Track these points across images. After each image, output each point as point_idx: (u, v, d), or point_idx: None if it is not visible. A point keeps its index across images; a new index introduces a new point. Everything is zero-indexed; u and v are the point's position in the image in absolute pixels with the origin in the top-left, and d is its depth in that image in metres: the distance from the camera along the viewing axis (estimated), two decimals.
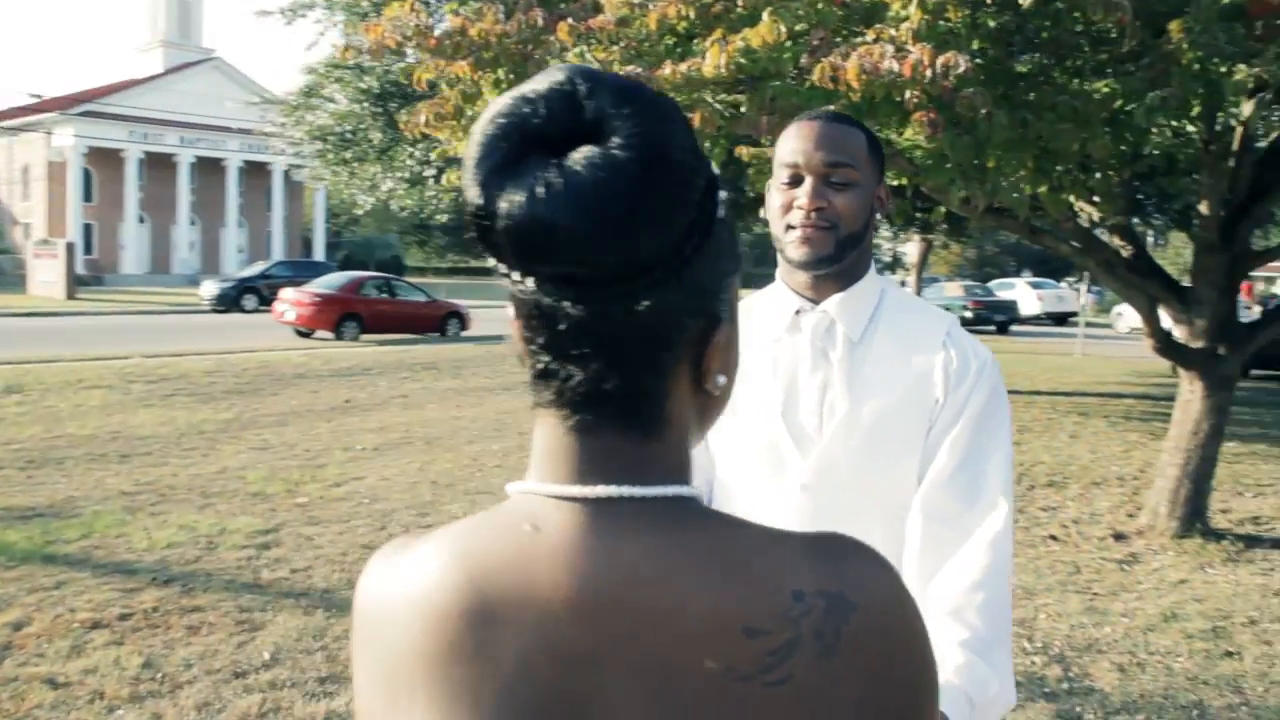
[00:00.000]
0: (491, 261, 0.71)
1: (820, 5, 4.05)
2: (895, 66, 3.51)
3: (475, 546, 0.70)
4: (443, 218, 16.66)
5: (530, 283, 0.68)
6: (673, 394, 0.73)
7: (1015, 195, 4.45)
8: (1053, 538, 6.75)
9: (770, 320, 1.62)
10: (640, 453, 0.71)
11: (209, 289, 30.47)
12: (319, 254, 52.04)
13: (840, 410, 1.55)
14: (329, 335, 19.99)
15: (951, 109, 3.72)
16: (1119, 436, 10.98)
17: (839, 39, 4.10)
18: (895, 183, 5.45)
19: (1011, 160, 4.34)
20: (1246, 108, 5.85)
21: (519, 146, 0.67)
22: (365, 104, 12.08)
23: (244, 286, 30.32)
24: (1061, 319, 34.56)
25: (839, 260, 1.57)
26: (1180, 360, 6.90)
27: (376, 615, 0.72)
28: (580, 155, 0.65)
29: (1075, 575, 5.90)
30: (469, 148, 0.70)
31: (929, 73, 3.46)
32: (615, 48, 4.45)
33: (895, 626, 0.71)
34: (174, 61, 50.02)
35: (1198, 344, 6.82)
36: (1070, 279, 50.13)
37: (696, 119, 4.15)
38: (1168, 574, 5.98)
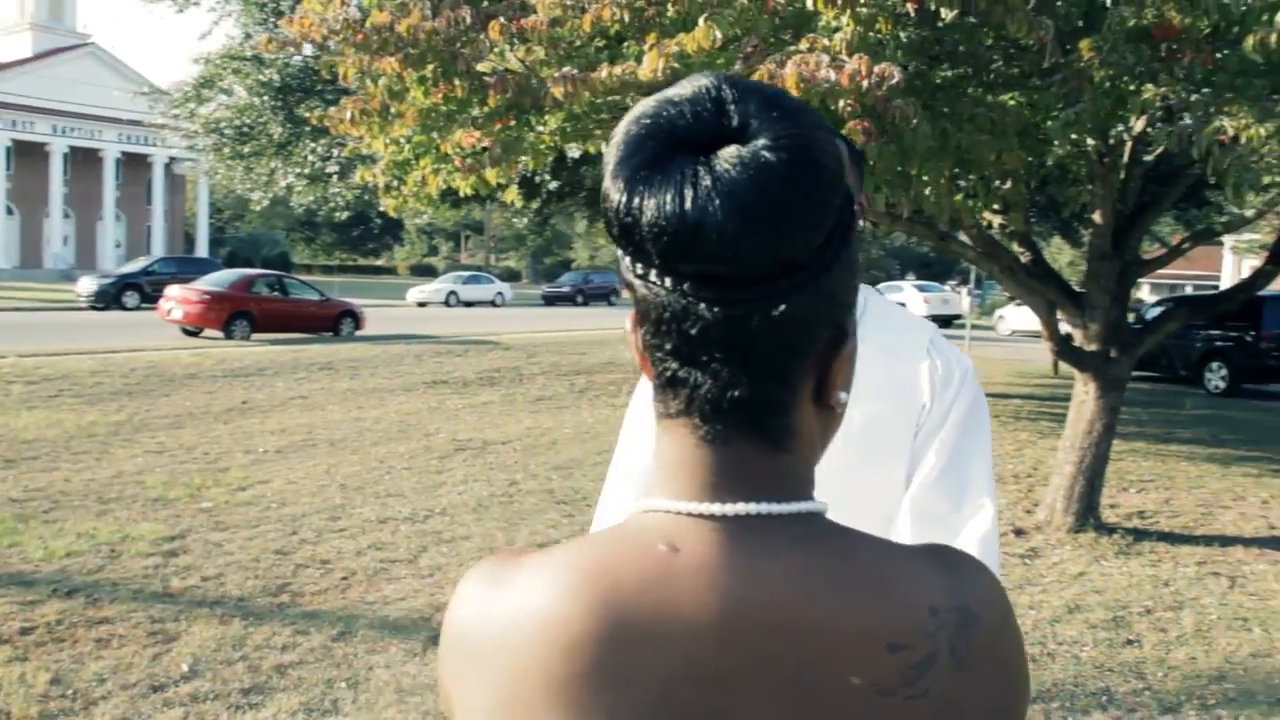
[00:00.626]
0: (627, 262, 0.70)
1: (751, 12, 4.11)
2: (832, 76, 3.59)
3: (607, 567, 0.68)
4: (343, 215, 16.30)
5: (668, 282, 0.67)
6: (799, 406, 0.72)
7: (935, 203, 4.60)
8: None
9: None
10: (771, 466, 0.71)
11: (86, 285, 29.17)
12: (202, 250, 50.40)
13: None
14: (218, 334, 19.37)
15: (883, 118, 3.83)
16: (1010, 436, 11.40)
17: (769, 44, 4.16)
18: None
19: (933, 169, 4.48)
20: (1138, 123, 6.16)
21: (665, 147, 0.67)
22: (265, 97, 11.75)
23: (125, 283, 29.14)
24: (946, 322, 35.69)
25: None
26: (1075, 362, 7.21)
27: (486, 643, 0.70)
28: (729, 154, 0.66)
29: None
30: (611, 149, 0.69)
31: (865, 83, 3.55)
32: (543, 49, 4.44)
33: (1009, 635, 0.73)
34: (44, 46, 47.75)
35: (1092, 347, 7.14)
36: (952, 282, 51.90)
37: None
38: (1067, 567, 6.25)
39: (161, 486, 7.31)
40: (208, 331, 19.58)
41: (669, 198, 0.65)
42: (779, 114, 0.67)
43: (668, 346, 0.69)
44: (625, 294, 0.75)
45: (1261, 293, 9.19)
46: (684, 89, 0.70)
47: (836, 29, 3.96)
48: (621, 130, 0.69)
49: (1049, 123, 4.31)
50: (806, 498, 0.73)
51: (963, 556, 0.76)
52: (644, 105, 0.70)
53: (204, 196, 51.65)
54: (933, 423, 1.61)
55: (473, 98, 4.51)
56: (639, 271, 0.69)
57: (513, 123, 4.74)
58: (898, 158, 4.23)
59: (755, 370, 0.69)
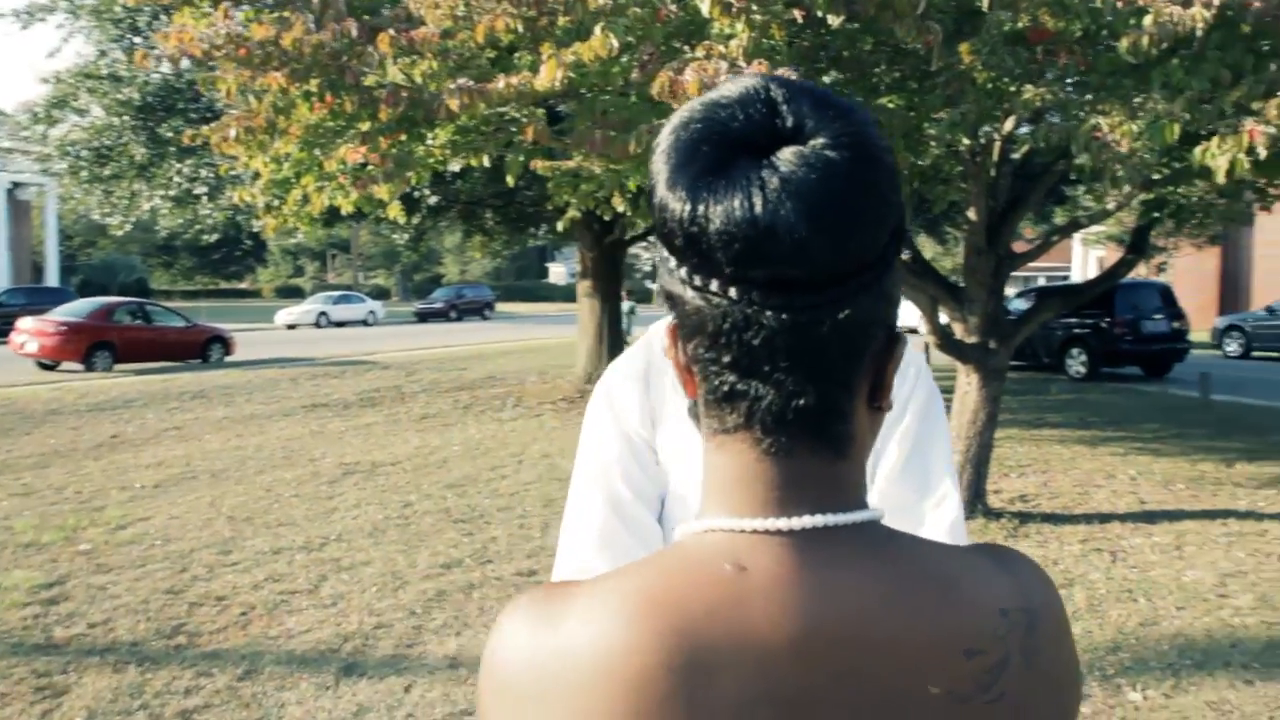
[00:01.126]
0: (683, 274, 0.68)
1: (644, 20, 4.12)
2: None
3: (671, 593, 0.66)
4: (212, 237, 15.69)
5: (733, 292, 0.65)
6: (857, 411, 0.71)
7: None
8: None
9: None
10: (832, 474, 0.69)
11: None
12: (52, 279, 47.75)
13: None
14: (78, 367, 18.41)
15: None
16: None
17: (662, 50, 4.18)
18: None
19: None
20: (1007, 124, 6.42)
21: (723, 151, 0.65)
22: (125, 116, 11.20)
23: None
24: None
25: None
26: (957, 355, 7.45)
27: (541, 685, 0.66)
28: (791, 155, 0.64)
29: None
30: (660, 157, 0.67)
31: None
32: (436, 61, 4.36)
33: (1066, 630, 0.74)
34: None
35: (972, 339, 7.40)
36: None
37: (528, 133, 4.13)
38: None
39: (33, 530, 6.88)
40: (66, 364, 18.60)
41: (737, 203, 0.63)
42: (834, 113, 0.66)
43: (726, 359, 0.67)
44: (660, 306, 0.72)
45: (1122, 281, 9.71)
46: (730, 91, 0.68)
47: (730, 36, 4.00)
48: (669, 137, 0.68)
49: (928, 125, 4.45)
50: (865, 505, 0.71)
51: (1015, 555, 0.76)
52: (689, 110, 0.68)
53: (52, 223, 49.04)
54: (892, 417, 1.62)
55: (362, 112, 4.40)
56: (698, 283, 0.67)
57: (403, 137, 4.64)
58: None
59: (821, 377, 0.67)
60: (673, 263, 0.68)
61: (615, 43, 3.88)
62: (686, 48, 4.30)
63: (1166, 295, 17.65)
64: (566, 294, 63.63)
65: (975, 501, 7.49)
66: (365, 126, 4.49)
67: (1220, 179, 3.66)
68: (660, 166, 0.67)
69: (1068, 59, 4.19)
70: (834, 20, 4.31)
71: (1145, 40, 3.53)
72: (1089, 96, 4.20)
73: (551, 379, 16.22)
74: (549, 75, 3.80)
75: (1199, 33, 3.51)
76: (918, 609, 0.67)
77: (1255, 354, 22.32)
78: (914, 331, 32.58)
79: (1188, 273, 28.52)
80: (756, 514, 0.68)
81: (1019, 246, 8.10)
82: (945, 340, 7.45)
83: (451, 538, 6.63)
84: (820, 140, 0.65)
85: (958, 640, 0.66)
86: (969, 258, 7.53)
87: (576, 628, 0.66)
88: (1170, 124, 3.81)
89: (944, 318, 7.68)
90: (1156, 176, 6.26)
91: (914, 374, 1.65)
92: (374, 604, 5.27)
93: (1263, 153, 3.51)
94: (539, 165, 5.72)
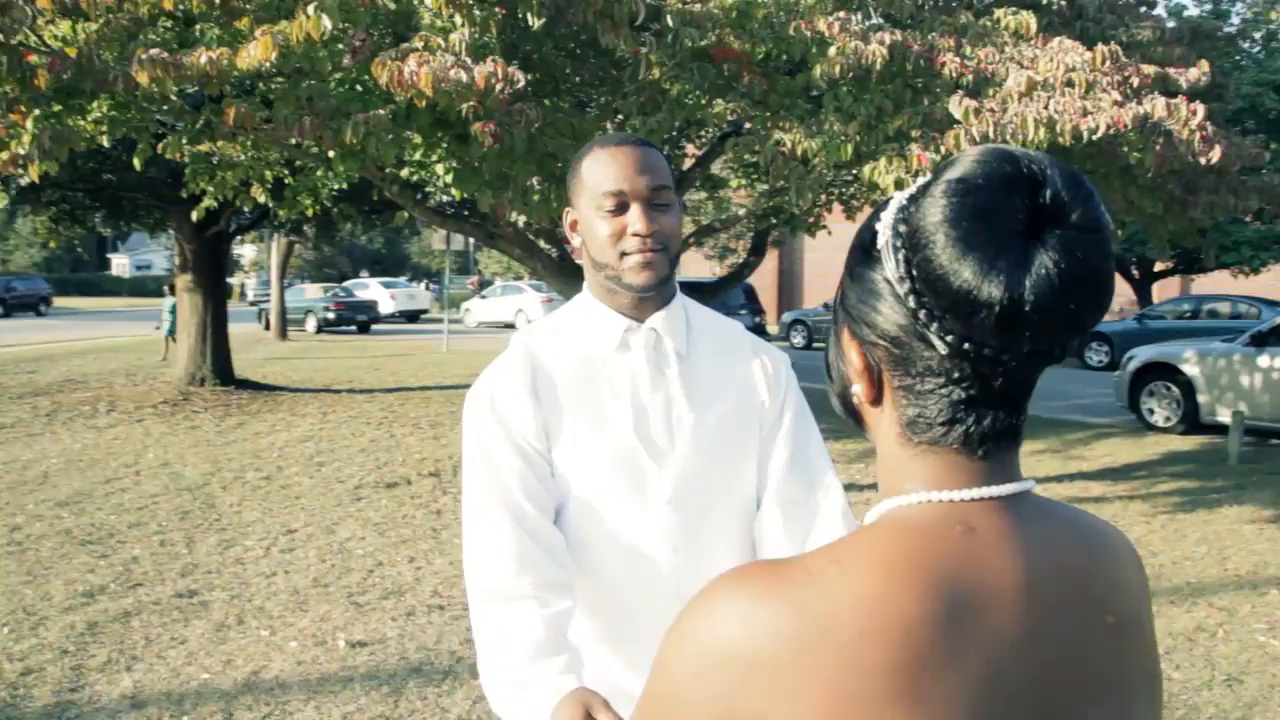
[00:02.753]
0: (934, 328, 0.75)
1: (350, 4, 3.93)
2: (464, 76, 3.56)
3: (917, 552, 0.74)
4: None
5: (1005, 356, 0.74)
6: None
7: (527, 203, 4.75)
8: None
9: (595, 340, 1.66)
10: (1013, 458, 0.81)
11: None
12: None
13: (687, 422, 1.64)
14: None
15: (506, 121, 3.88)
16: None
17: (374, 37, 4.01)
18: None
19: (523, 171, 4.62)
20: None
21: (999, 229, 0.72)
22: None
23: None
24: (414, 316, 36.40)
25: (671, 280, 1.69)
26: None
27: (796, 650, 0.72)
28: (1060, 240, 0.72)
29: None
30: (937, 217, 0.73)
31: (499, 85, 3.58)
32: (101, 24, 3.86)
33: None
34: None
35: None
36: (405, 277, 52.78)
37: (230, 115, 3.77)
38: None
39: None
40: None
41: (1026, 284, 0.70)
42: (1080, 191, 0.74)
43: (955, 397, 0.77)
44: (869, 339, 0.81)
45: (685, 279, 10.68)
46: (994, 163, 0.73)
47: (445, 29, 3.93)
48: (947, 201, 0.73)
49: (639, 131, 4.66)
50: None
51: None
52: (964, 174, 0.74)
53: None
54: (773, 417, 1.74)
55: (8, 77, 3.77)
56: (952, 341, 0.74)
57: (58, 108, 4.03)
58: (504, 160, 4.31)
59: (1025, 405, 0.80)
60: (922, 315, 0.75)
61: (329, 24, 3.67)
62: (392, 38, 4.15)
63: (750, 293, 19.59)
64: (135, 287, 57.57)
65: None
66: (11, 92, 3.83)
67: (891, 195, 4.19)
68: (940, 231, 0.72)
69: (752, 78, 4.57)
70: (534, 22, 4.37)
71: (836, 68, 3.94)
72: (769, 114, 4.61)
73: (143, 381, 14.70)
74: (262, 54, 3.49)
75: (878, 66, 3.99)
76: (1091, 552, 0.81)
77: (816, 345, 25.43)
78: (512, 326, 33.47)
79: (755, 272, 31.76)
80: (971, 487, 0.78)
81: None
82: None
83: (84, 562, 5.84)
84: (1077, 220, 0.72)
85: (1116, 578, 0.81)
86: None
87: (836, 591, 0.73)
88: (844, 144, 4.29)
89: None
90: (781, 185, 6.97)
91: (785, 374, 1.79)
92: (11, 647, 4.53)
93: (927, 175, 4.06)
94: (174, 151, 5.22)
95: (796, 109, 4.59)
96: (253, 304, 39.74)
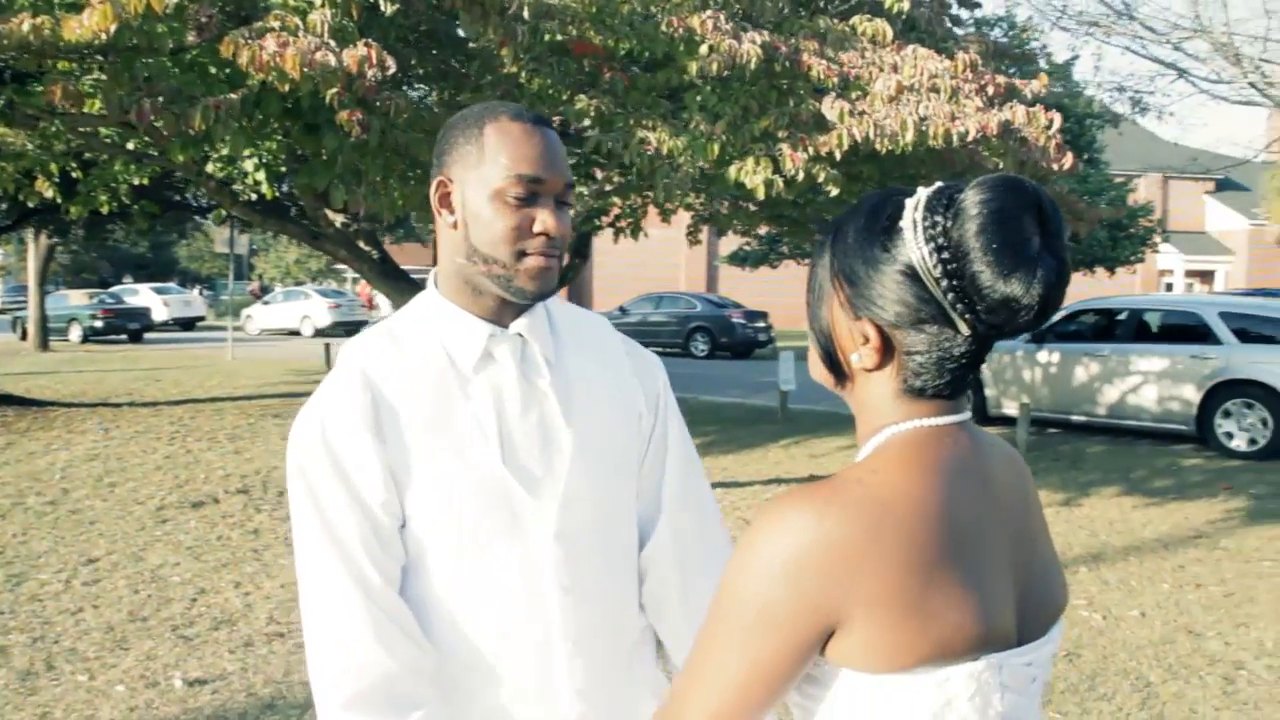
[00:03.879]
0: (960, 307, 0.99)
1: None
2: (333, 60, 3.27)
3: (930, 457, 1.01)
4: None
5: (1006, 330, 1.01)
6: None
7: (381, 199, 4.46)
8: None
9: (451, 352, 1.38)
10: (965, 398, 1.10)
11: None
12: None
13: (567, 444, 1.39)
14: None
15: (373, 110, 3.61)
16: None
17: (220, 16, 3.65)
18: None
19: (375, 166, 4.34)
20: None
21: (1021, 242, 0.96)
22: None
23: None
24: (189, 324, 34.28)
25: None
26: None
27: (856, 544, 0.94)
28: (1054, 253, 0.97)
29: None
30: (975, 226, 0.96)
31: (372, 71, 3.31)
32: None
33: None
34: None
35: None
36: (175, 281, 49.43)
37: (56, 93, 3.32)
38: None
39: None
40: None
41: (1037, 285, 0.96)
42: (1055, 205, 1.00)
43: (955, 363, 1.03)
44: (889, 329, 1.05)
45: None
46: (1020, 197, 0.97)
47: (301, 9, 3.63)
48: (985, 211, 0.96)
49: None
50: None
51: None
52: (995, 193, 0.97)
53: None
54: (652, 433, 1.54)
55: None
56: (979, 330, 1.00)
57: None
58: (357, 152, 4.03)
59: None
60: (959, 308, 0.98)
61: None
62: (237, 17, 3.80)
63: None
64: None
65: None
66: None
67: (760, 195, 4.19)
68: (986, 255, 0.96)
69: (613, 75, 4.47)
70: (387, 7, 4.12)
71: (714, 66, 3.90)
72: (631, 110, 4.52)
73: None
74: (99, 23, 3.09)
75: (753, 65, 3.98)
76: (1011, 453, 1.14)
77: None
78: (297, 333, 31.98)
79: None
80: (946, 415, 1.05)
81: None
82: None
83: None
84: (1056, 229, 0.98)
85: (1024, 469, 1.15)
86: None
87: (882, 490, 0.97)
88: (711, 143, 4.26)
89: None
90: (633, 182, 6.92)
91: (663, 383, 1.58)
92: None
93: (801, 176, 4.09)
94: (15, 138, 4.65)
95: (658, 107, 4.52)
96: (2, 312, 36.30)
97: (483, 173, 1.32)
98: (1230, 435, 10.31)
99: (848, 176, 4.46)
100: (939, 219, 0.98)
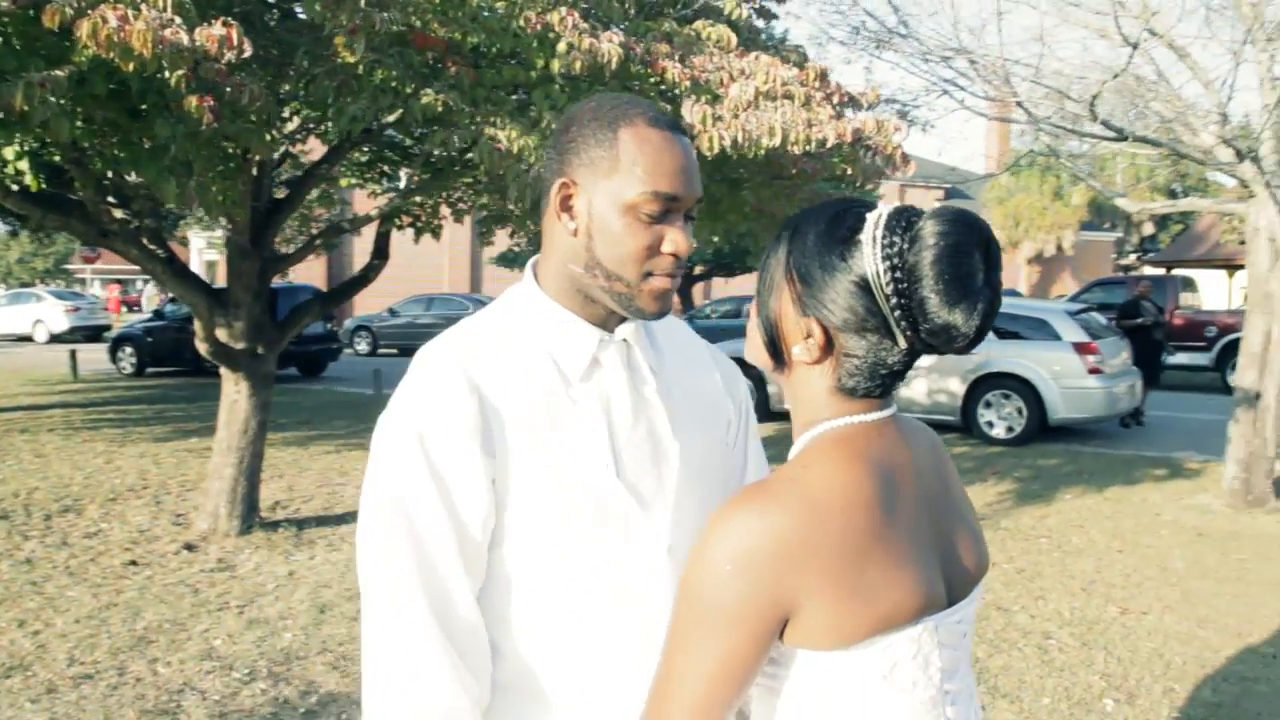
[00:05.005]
0: (904, 324, 1.11)
1: None
2: (185, 38, 2.95)
3: (859, 450, 1.12)
4: None
5: (934, 347, 1.13)
6: None
7: (208, 193, 4.07)
8: (133, 563, 6.25)
9: (559, 358, 1.30)
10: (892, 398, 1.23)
11: None
12: None
13: (674, 455, 1.34)
14: None
15: (220, 95, 3.29)
16: (86, 448, 10.42)
17: None
18: None
19: (204, 156, 3.98)
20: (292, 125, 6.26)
21: (972, 279, 1.08)
22: None
23: None
24: None
25: None
26: (227, 362, 7.00)
27: (797, 537, 1.05)
28: (992, 279, 1.09)
29: (186, 595, 5.62)
30: (930, 259, 1.06)
31: (231, 53, 3.02)
32: None
33: None
34: None
35: (240, 345, 7.02)
36: None
37: None
38: (272, 570, 6.12)
39: None
40: None
41: (976, 318, 1.08)
42: (998, 244, 1.13)
43: (888, 369, 1.15)
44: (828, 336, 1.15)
45: (275, 284, 9.95)
46: (976, 232, 1.08)
47: None
48: (940, 248, 1.06)
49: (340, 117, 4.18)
50: None
51: None
52: (950, 227, 1.07)
53: None
54: (741, 443, 1.52)
55: None
56: (910, 335, 1.11)
57: None
58: (189, 142, 3.69)
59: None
60: (903, 324, 1.09)
61: None
62: None
63: (317, 294, 18.59)
64: None
65: (251, 515, 7.13)
66: None
67: None
68: (937, 284, 1.06)
69: (459, 68, 4.29)
70: None
71: (577, 64, 3.83)
72: (479, 107, 4.35)
73: None
74: None
75: (614, 65, 3.94)
76: (934, 440, 1.29)
77: (381, 351, 24.87)
78: (29, 339, 28.87)
79: (301, 276, 30.30)
80: (875, 412, 1.18)
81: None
82: (216, 347, 6.93)
83: None
84: (997, 264, 1.11)
85: (944, 453, 1.30)
86: (233, 260, 7.12)
87: (816, 487, 1.08)
88: None
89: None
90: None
91: (745, 393, 1.56)
92: None
93: None
94: None
95: (506, 104, 4.39)
96: None
97: (615, 183, 1.23)
98: (991, 424, 11.24)
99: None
100: (897, 240, 1.07)
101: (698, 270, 27.38)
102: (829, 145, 4.04)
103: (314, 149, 7.77)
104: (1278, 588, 6.02)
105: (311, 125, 6.48)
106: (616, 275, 1.25)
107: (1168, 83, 8.28)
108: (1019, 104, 7.52)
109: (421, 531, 1.19)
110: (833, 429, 1.15)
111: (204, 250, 31.88)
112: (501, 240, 24.04)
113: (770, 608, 1.05)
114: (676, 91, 4.29)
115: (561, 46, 3.99)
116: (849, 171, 4.43)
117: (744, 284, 35.65)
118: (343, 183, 9.23)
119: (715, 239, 9.51)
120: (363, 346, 24.97)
